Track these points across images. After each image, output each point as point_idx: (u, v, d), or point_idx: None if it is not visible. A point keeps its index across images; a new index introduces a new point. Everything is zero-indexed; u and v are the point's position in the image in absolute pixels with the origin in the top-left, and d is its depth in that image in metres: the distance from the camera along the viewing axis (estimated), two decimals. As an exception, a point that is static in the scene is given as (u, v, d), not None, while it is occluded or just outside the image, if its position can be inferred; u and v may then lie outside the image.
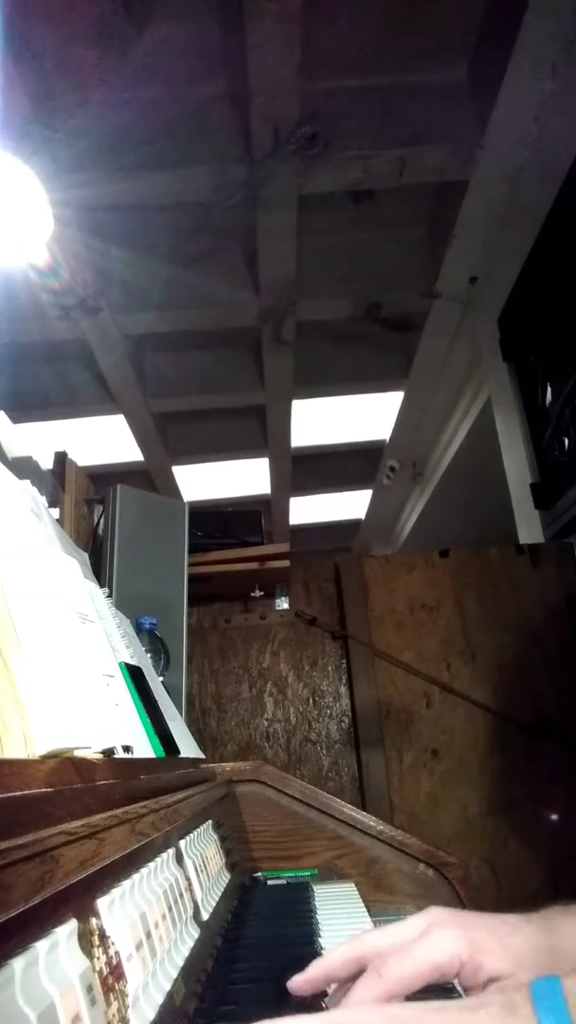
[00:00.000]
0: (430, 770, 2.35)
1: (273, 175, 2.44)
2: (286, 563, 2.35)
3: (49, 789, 0.42)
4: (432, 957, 0.44)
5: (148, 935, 0.49)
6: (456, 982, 0.46)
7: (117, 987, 0.41)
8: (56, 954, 0.34)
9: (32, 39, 1.98)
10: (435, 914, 0.47)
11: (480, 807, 2.30)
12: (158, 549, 1.87)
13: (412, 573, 2.54)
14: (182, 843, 0.71)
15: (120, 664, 0.86)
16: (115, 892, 0.45)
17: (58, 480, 1.70)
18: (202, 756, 1.34)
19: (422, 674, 2.42)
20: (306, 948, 0.76)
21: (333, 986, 0.48)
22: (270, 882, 1.18)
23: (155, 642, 1.49)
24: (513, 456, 2.93)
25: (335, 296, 3.22)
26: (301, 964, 0.49)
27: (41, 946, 0.33)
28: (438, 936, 0.45)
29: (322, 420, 4.33)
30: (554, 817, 2.24)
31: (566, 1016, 0.34)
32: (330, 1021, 0.39)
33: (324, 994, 0.49)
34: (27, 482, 0.88)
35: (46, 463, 1.69)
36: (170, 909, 0.57)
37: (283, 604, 2.56)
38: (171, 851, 0.66)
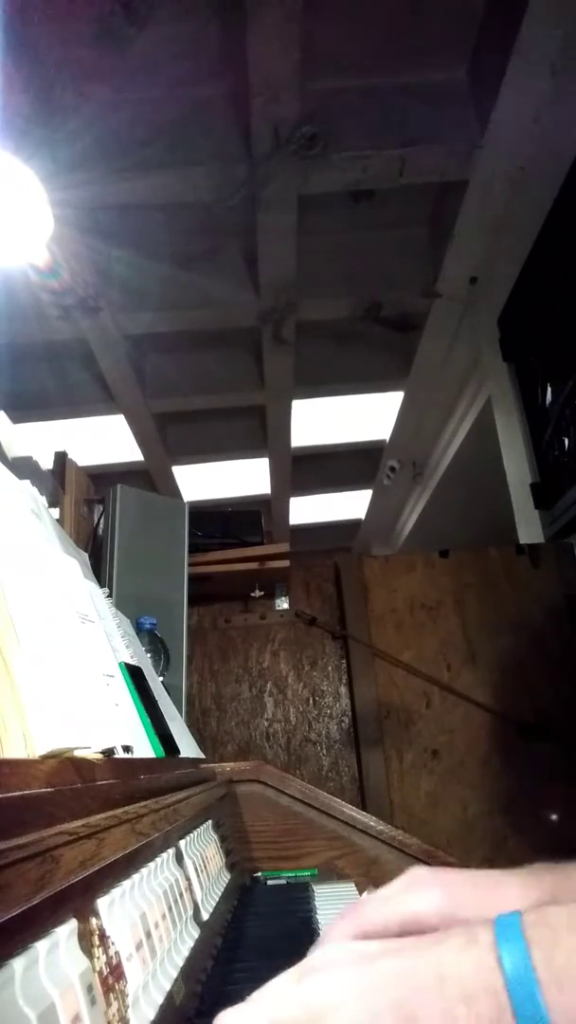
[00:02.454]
0: (430, 770, 2.35)
1: (273, 175, 2.44)
2: (286, 563, 2.35)
3: (49, 789, 0.42)
4: (414, 909, 0.43)
5: (148, 935, 0.49)
6: None
7: (117, 987, 0.41)
8: (56, 954, 0.34)
9: (32, 39, 1.98)
10: (417, 873, 0.46)
11: (480, 807, 2.30)
12: (158, 549, 1.87)
13: (412, 573, 2.54)
14: (182, 843, 0.71)
15: (120, 664, 0.86)
16: (115, 892, 0.45)
17: (58, 480, 1.70)
18: (202, 756, 1.34)
19: (422, 674, 2.42)
20: (306, 948, 0.76)
21: None
22: (270, 882, 1.18)
23: (155, 642, 1.49)
24: (513, 456, 2.93)
25: (335, 296, 3.22)
26: None
27: (41, 946, 0.33)
28: (421, 891, 0.44)
29: (322, 420, 4.33)
30: (554, 817, 2.24)
31: (524, 942, 0.34)
32: (299, 969, 0.39)
33: None
34: (27, 482, 0.88)
35: (46, 463, 1.69)
36: (170, 909, 0.57)
37: (283, 604, 2.57)
38: (171, 851, 0.66)
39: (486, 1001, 0.33)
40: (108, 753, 0.62)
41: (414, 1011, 0.34)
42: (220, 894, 0.82)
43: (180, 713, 1.57)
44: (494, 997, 0.33)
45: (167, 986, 0.49)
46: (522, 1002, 0.32)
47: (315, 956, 0.40)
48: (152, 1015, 0.45)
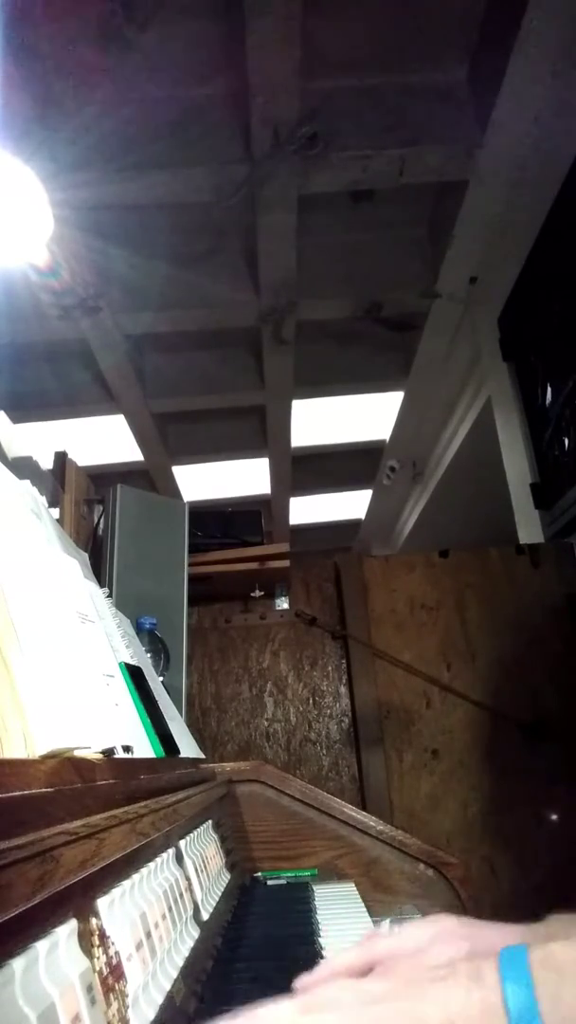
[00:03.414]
0: (430, 770, 2.35)
1: (273, 175, 2.44)
2: (286, 563, 2.35)
3: (49, 789, 0.42)
4: (433, 963, 0.41)
5: (148, 935, 0.49)
6: None
7: (117, 987, 0.41)
8: (56, 954, 0.34)
9: (32, 39, 1.98)
10: (444, 923, 0.45)
11: (480, 807, 2.30)
12: (158, 549, 1.87)
13: (412, 573, 2.54)
14: (182, 843, 0.71)
15: (120, 664, 0.86)
16: (115, 892, 0.45)
17: (58, 480, 1.70)
18: (202, 756, 1.34)
19: (422, 674, 2.42)
20: (306, 948, 0.76)
21: None
22: (270, 882, 1.18)
23: (155, 642, 1.49)
24: (513, 456, 2.93)
25: (335, 296, 3.22)
26: (301, 964, 0.49)
27: (41, 946, 0.33)
28: (444, 944, 0.43)
29: (322, 420, 4.33)
30: (554, 817, 2.24)
31: (529, 983, 0.33)
32: (304, 1003, 0.38)
33: None
34: (27, 482, 0.88)
35: (46, 463, 1.69)
36: (170, 909, 0.57)
37: (283, 604, 2.57)
38: (171, 851, 0.66)
39: None
40: (108, 753, 0.62)
41: None
42: (220, 894, 0.82)
43: (180, 713, 1.57)
44: (490, 1011, 0.32)
45: (167, 986, 0.49)
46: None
47: (320, 992, 0.39)
48: (152, 1015, 0.45)
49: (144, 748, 0.82)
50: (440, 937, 0.44)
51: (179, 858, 0.68)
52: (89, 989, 0.36)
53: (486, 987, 0.34)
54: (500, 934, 0.45)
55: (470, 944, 0.43)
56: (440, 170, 2.54)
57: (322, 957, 0.72)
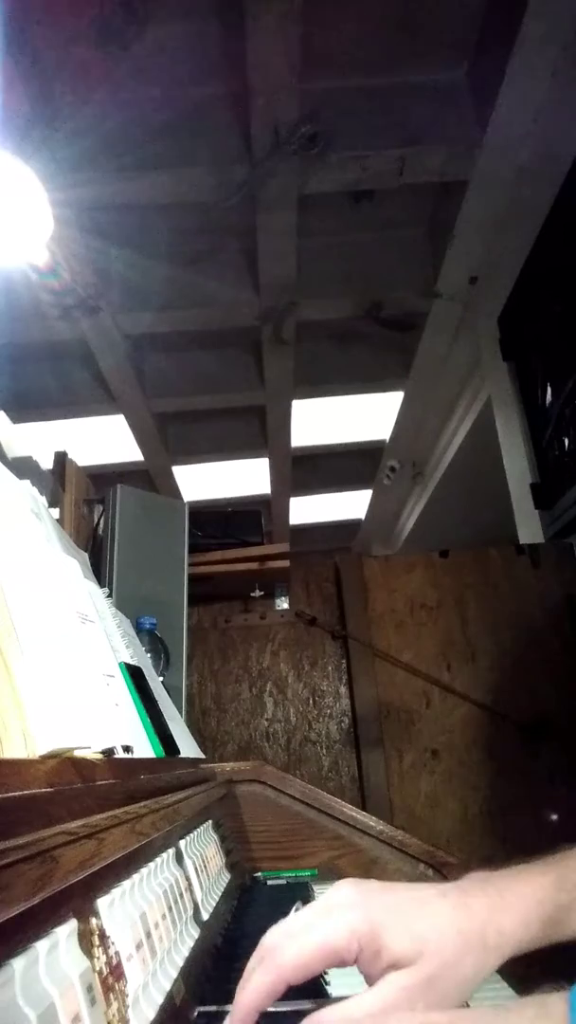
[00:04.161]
0: (430, 770, 2.35)
1: (273, 175, 2.44)
2: (286, 563, 2.35)
3: (49, 789, 0.42)
4: (328, 940, 0.41)
5: (148, 935, 0.49)
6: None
7: (117, 987, 0.41)
8: (56, 954, 0.34)
9: (32, 39, 1.98)
10: (342, 893, 0.44)
11: (480, 807, 2.30)
12: (158, 549, 1.87)
13: (412, 573, 2.54)
14: (182, 843, 0.71)
15: (120, 664, 0.86)
16: (115, 892, 0.45)
17: (58, 480, 1.70)
18: (202, 756, 1.34)
19: (422, 674, 2.42)
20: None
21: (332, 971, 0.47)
22: (270, 882, 1.18)
23: (155, 642, 1.49)
24: (513, 456, 2.93)
25: (335, 296, 3.22)
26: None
27: (41, 946, 0.33)
28: (337, 917, 0.42)
29: (322, 420, 4.33)
30: (554, 817, 2.24)
31: None
32: None
33: (324, 987, 0.48)
34: (27, 482, 0.88)
35: (46, 463, 1.69)
36: (170, 909, 0.57)
37: (283, 604, 2.57)
38: (171, 851, 0.66)
39: None
40: (108, 753, 0.62)
41: None
42: (220, 894, 0.82)
43: (180, 713, 1.57)
44: None
45: (167, 986, 0.49)
46: None
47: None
48: (152, 1015, 0.45)
49: (144, 748, 0.82)
50: (330, 911, 0.43)
51: (179, 858, 0.68)
52: (89, 989, 0.36)
53: (554, 1021, 0.34)
54: (400, 903, 0.44)
55: (366, 915, 0.42)
56: (440, 170, 2.54)
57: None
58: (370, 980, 0.42)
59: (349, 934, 0.41)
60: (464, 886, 0.46)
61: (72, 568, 0.79)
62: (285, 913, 0.45)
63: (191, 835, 0.77)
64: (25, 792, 0.39)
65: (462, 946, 0.42)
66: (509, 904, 0.45)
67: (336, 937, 0.41)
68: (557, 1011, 0.34)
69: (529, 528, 2.81)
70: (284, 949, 0.42)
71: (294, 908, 0.45)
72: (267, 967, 0.41)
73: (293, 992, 0.42)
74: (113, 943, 0.42)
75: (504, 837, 2.27)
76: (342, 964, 0.42)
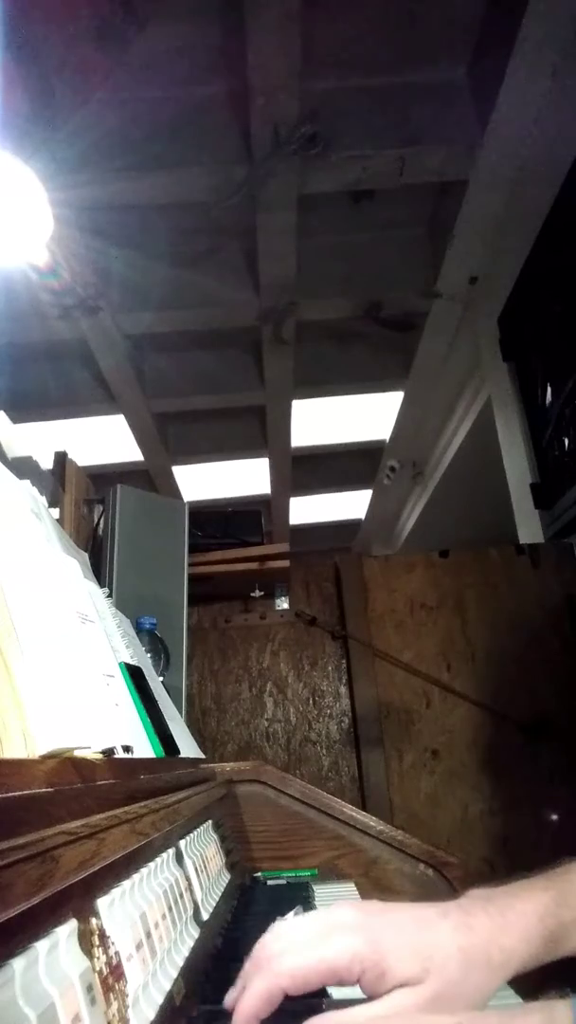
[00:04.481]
0: (430, 770, 2.35)
1: (273, 175, 2.44)
2: (286, 563, 2.35)
3: (49, 789, 0.42)
4: (327, 959, 0.41)
5: (148, 935, 0.49)
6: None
7: (117, 987, 0.41)
8: (56, 954, 0.34)
9: (32, 39, 1.98)
10: (340, 914, 0.44)
11: (480, 807, 2.30)
12: (158, 549, 1.87)
13: (412, 573, 2.54)
14: (182, 843, 0.71)
15: (120, 664, 0.86)
16: (115, 892, 0.45)
17: (58, 480, 1.70)
18: (202, 756, 1.34)
19: (422, 674, 2.42)
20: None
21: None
22: (270, 882, 1.18)
23: (155, 642, 1.49)
24: (513, 456, 2.93)
25: (335, 296, 3.22)
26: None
27: (41, 946, 0.33)
28: (339, 939, 0.42)
29: (322, 420, 4.33)
30: (554, 817, 2.24)
31: None
32: None
33: (323, 993, 0.48)
34: (27, 482, 0.88)
35: (46, 463, 1.69)
36: (170, 909, 0.57)
37: (283, 604, 2.56)
38: (171, 851, 0.66)
39: None
40: (108, 753, 0.62)
41: None
42: (220, 894, 0.82)
43: (180, 713, 1.57)
44: None
45: (167, 986, 0.49)
46: None
47: None
48: (152, 1015, 0.45)
49: (144, 748, 0.82)
50: (332, 931, 0.43)
51: (179, 858, 0.68)
52: (89, 989, 0.36)
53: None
54: (402, 923, 0.43)
55: (367, 936, 0.42)
56: (440, 170, 2.54)
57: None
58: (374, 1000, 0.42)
59: (351, 956, 0.41)
60: (465, 905, 0.46)
61: (72, 568, 0.79)
62: (285, 913, 0.45)
63: (191, 835, 0.77)
64: (25, 792, 0.39)
65: (466, 965, 0.42)
66: (511, 922, 0.45)
67: (337, 957, 0.41)
68: (562, 1016, 0.34)
69: (529, 528, 2.81)
70: (284, 958, 0.42)
71: (292, 912, 0.45)
72: (266, 975, 0.41)
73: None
74: (113, 943, 0.42)
75: (504, 837, 2.27)
76: (340, 984, 0.42)
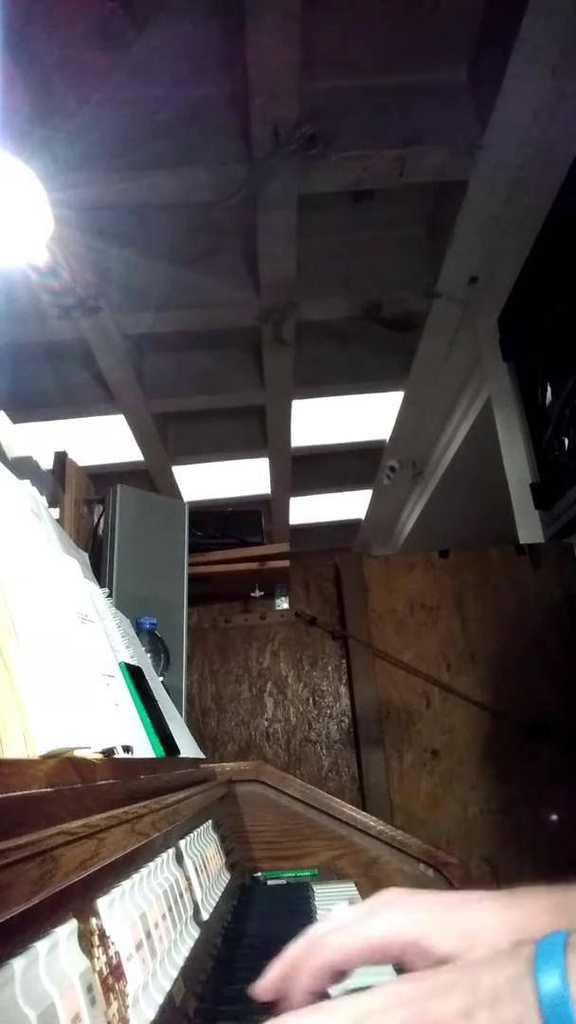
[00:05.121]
0: (430, 770, 2.35)
1: (273, 175, 2.44)
2: (286, 563, 2.35)
3: (49, 789, 0.42)
4: (372, 936, 0.42)
5: (148, 935, 0.49)
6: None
7: (117, 987, 0.41)
8: (56, 954, 0.34)
9: (32, 39, 1.98)
10: (386, 895, 0.45)
11: (480, 807, 2.30)
12: (158, 549, 1.87)
13: (412, 573, 2.54)
14: (182, 843, 0.71)
15: (120, 664, 0.86)
16: (115, 892, 0.45)
17: (58, 480, 1.70)
18: (202, 756, 1.34)
19: (422, 674, 2.42)
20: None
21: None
22: (270, 882, 1.18)
23: (155, 642, 1.49)
24: (513, 456, 2.93)
25: (335, 296, 3.22)
26: None
27: (41, 946, 0.33)
28: (382, 916, 0.43)
29: (322, 420, 4.33)
30: (554, 817, 2.24)
31: (561, 961, 0.33)
32: (333, 1005, 0.38)
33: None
34: (27, 482, 0.88)
35: (46, 463, 1.69)
36: (170, 909, 0.57)
37: (283, 604, 2.56)
38: (171, 851, 0.66)
39: (513, 1006, 0.32)
40: (108, 753, 0.62)
41: (441, 1006, 0.34)
42: (220, 894, 0.82)
43: (180, 713, 1.57)
44: (523, 1002, 0.32)
45: (167, 986, 0.49)
46: (548, 1003, 0.32)
47: (361, 1000, 0.38)
48: (152, 1015, 0.45)
49: (144, 748, 0.82)
50: (378, 909, 0.44)
51: (179, 858, 0.68)
52: (89, 989, 0.36)
53: (519, 961, 0.34)
54: (446, 902, 0.44)
55: (410, 913, 0.43)
56: (440, 170, 2.54)
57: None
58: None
59: (394, 932, 0.42)
60: (511, 891, 0.46)
61: (72, 568, 0.79)
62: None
63: (191, 835, 0.77)
64: (25, 792, 0.39)
65: (512, 937, 0.41)
66: (559, 902, 0.44)
67: (381, 934, 0.42)
68: (526, 952, 0.34)
69: (529, 528, 2.81)
70: (331, 936, 0.43)
71: (338, 905, 0.46)
72: (314, 952, 0.43)
73: None
74: (113, 943, 0.42)
75: (504, 837, 2.27)
76: (384, 961, 0.43)
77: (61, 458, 1.77)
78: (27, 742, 0.47)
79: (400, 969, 0.44)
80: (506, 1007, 0.32)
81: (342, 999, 0.38)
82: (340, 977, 0.44)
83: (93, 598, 0.86)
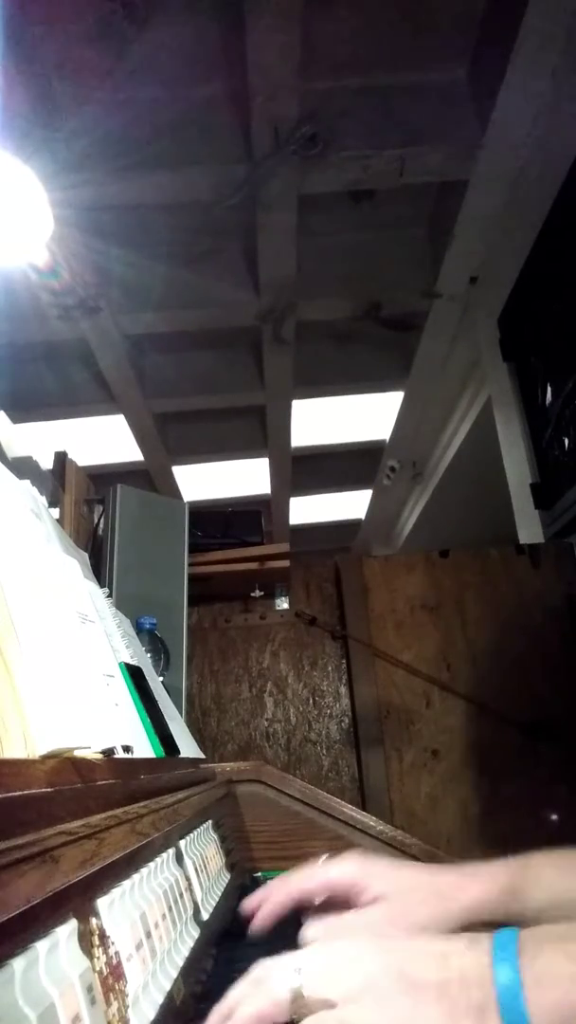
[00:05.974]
0: (430, 770, 2.35)
1: (273, 175, 2.44)
2: (286, 563, 2.35)
3: (49, 789, 0.42)
4: (328, 873, 0.60)
5: (148, 935, 0.49)
6: None
7: (117, 987, 0.41)
8: (56, 954, 0.34)
9: (32, 39, 1.98)
10: (349, 856, 0.61)
11: (480, 807, 2.30)
12: (158, 549, 1.87)
13: (412, 573, 2.54)
14: (182, 843, 0.71)
15: (120, 664, 0.86)
16: (115, 892, 0.45)
17: (58, 480, 1.70)
18: (202, 756, 1.34)
19: (422, 674, 2.42)
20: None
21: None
22: (270, 882, 1.18)
23: (155, 642, 1.49)
24: (513, 456, 2.93)
25: (335, 296, 3.22)
26: None
27: (41, 946, 0.33)
28: (340, 866, 0.60)
29: (322, 420, 4.33)
30: (554, 817, 2.24)
31: (514, 950, 0.39)
32: (320, 948, 0.48)
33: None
34: (27, 482, 0.88)
35: (46, 463, 1.69)
36: (170, 909, 0.57)
37: (283, 604, 2.56)
38: (171, 851, 0.66)
39: (479, 991, 0.38)
40: (108, 753, 0.62)
41: (418, 970, 0.41)
42: (220, 894, 0.82)
43: (180, 713, 1.57)
44: (485, 990, 0.38)
45: (167, 986, 0.49)
46: (504, 993, 0.38)
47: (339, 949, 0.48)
48: (152, 1015, 0.45)
49: (144, 748, 0.82)
50: (338, 860, 0.61)
51: (179, 858, 0.68)
52: (89, 989, 0.36)
53: (480, 944, 0.41)
54: (395, 862, 0.63)
55: (361, 862, 0.61)
56: (440, 170, 2.54)
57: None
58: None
59: (345, 874, 0.59)
60: (464, 864, 0.63)
61: (72, 568, 0.79)
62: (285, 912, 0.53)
63: (191, 835, 0.77)
64: (25, 792, 0.39)
65: (421, 892, 0.57)
66: (473, 870, 0.61)
67: (336, 874, 0.60)
68: (485, 943, 0.41)
69: (529, 528, 2.81)
70: (297, 875, 0.61)
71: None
72: (281, 886, 0.61)
73: None
74: (113, 943, 0.42)
75: (504, 837, 2.26)
76: (335, 894, 0.59)
77: (61, 458, 1.77)
78: (27, 742, 0.47)
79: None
80: (474, 990, 0.39)
81: (330, 943, 0.48)
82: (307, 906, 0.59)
83: (93, 598, 0.86)
